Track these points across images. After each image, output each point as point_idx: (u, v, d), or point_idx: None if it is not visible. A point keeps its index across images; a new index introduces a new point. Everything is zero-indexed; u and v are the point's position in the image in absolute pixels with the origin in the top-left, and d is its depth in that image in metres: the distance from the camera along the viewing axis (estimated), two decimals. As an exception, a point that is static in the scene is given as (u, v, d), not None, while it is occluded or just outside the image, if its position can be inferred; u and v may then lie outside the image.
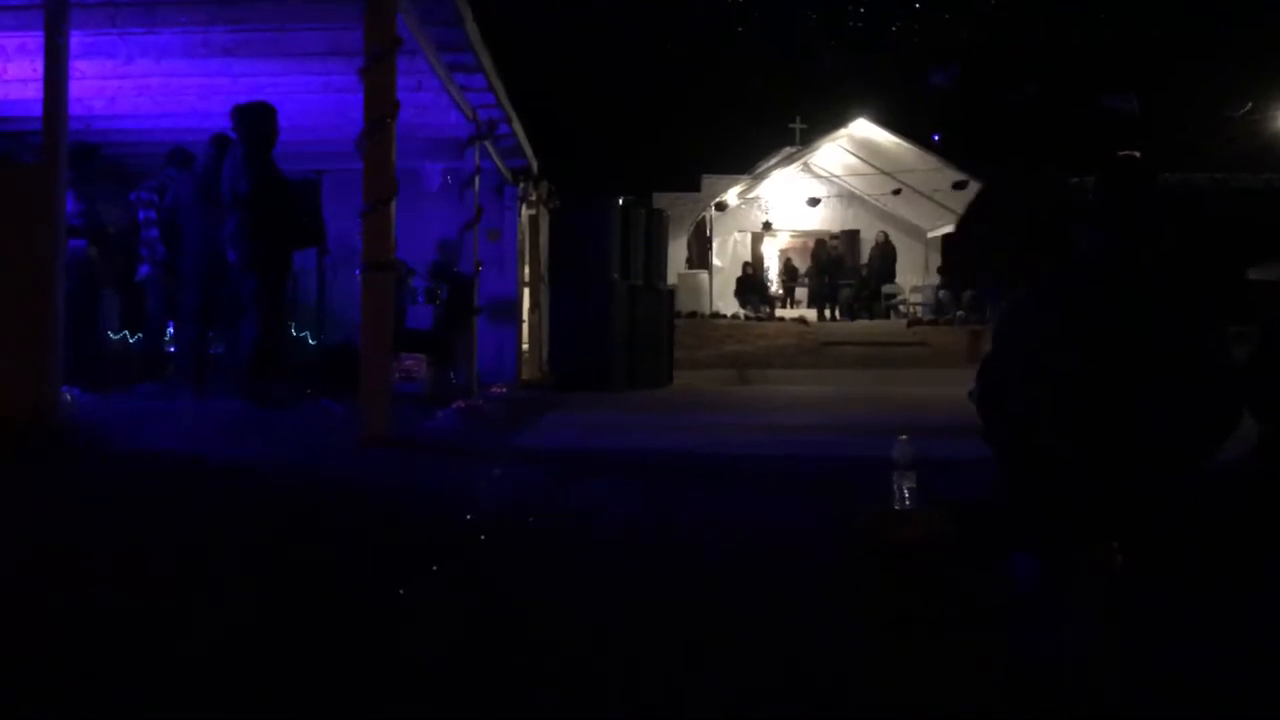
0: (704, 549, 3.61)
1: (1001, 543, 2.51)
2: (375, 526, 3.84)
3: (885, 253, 22.53)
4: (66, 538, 3.52)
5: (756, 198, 23.29)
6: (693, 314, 19.16)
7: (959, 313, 19.49)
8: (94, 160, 8.48)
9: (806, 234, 24.40)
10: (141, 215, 8.49)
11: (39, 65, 5.73)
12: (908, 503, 2.66)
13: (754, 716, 2.20)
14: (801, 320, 20.31)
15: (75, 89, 5.94)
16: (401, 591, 3.00)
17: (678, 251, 21.07)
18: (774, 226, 24.13)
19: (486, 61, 8.44)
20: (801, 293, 23.66)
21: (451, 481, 4.87)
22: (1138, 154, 3.10)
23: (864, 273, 22.74)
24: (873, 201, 23.60)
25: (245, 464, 5.16)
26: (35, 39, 5.92)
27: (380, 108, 5.93)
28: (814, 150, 22.51)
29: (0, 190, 5.92)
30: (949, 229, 22.98)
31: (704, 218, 22.49)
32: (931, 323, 19.47)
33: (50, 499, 4.16)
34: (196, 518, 3.93)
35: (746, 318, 20.14)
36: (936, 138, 21.66)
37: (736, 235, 23.98)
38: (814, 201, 23.05)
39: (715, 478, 5.24)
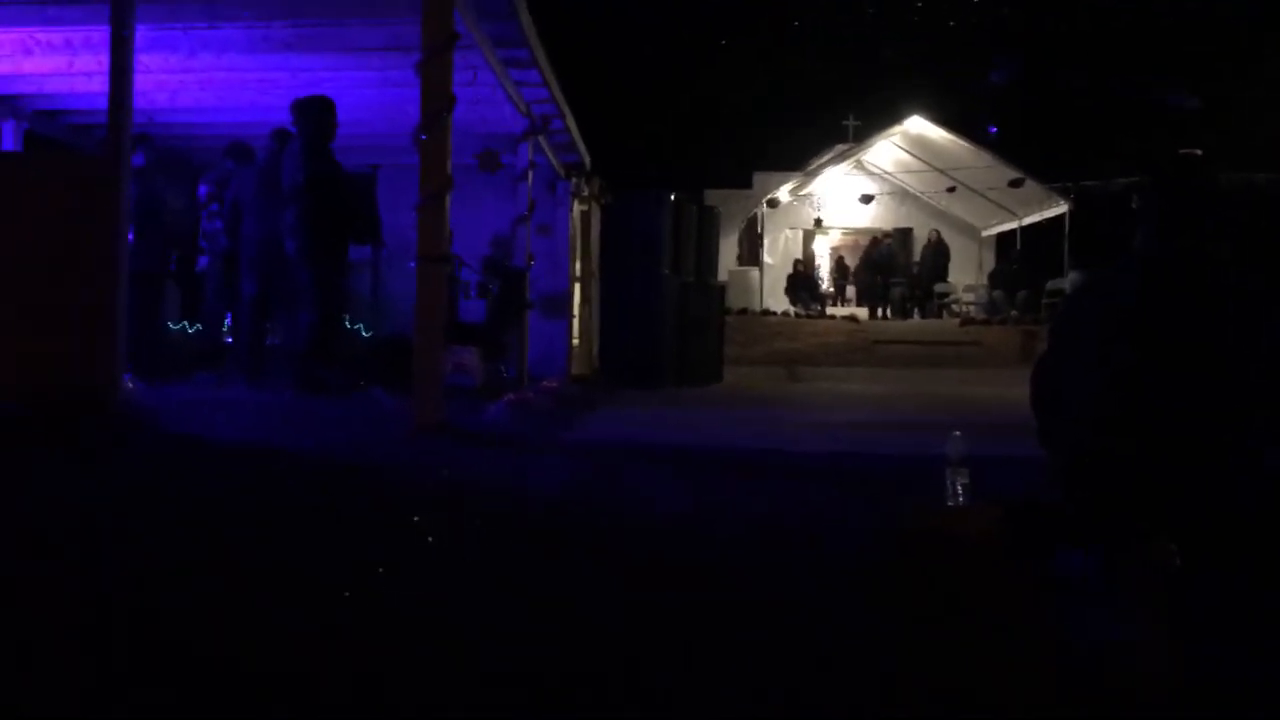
0: (751, 543, 3.61)
1: (1055, 539, 2.50)
2: (420, 510, 3.88)
3: (938, 251, 22.33)
4: (120, 517, 3.60)
5: (808, 195, 23.18)
6: (743, 311, 19.11)
7: (1013, 312, 19.28)
8: (145, 148, 8.51)
9: (858, 231, 24.26)
10: (204, 207, 8.61)
11: (104, 59, 5.86)
12: (961, 499, 2.65)
13: (805, 706, 2.20)
14: (852, 318, 20.19)
15: (139, 82, 6.05)
16: (442, 575, 3.03)
17: (729, 248, 21.03)
18: (825, 224, 24.02)
19: (541, 56, 8.48)
20: (852, 291, 23.53)
21: (499, 470, 4.91)
22: (1199, 152, 3.07)
23: (916, 271, 22.56)
24: (926, 199, 23.40)
25: (297, 450, 5.25)
26: (101, 33, 6.05)
27: (436, 102, 5.98)
28: (867, 147, 22.36)
29: (66, 181, 6.05)
30: (1004, 227, 22.75)
31: (755, 214, 22.43)
32: (984, 322, 19.27)
33: (108, 481, 4.26)
34: (246, 500, 4.01)
35: (797, 315, 20.05)
36: (993, 130, 21.39)
37: (788, 232, 23.88)
38: (866, 199, 22.90)
39: (765, 473, 5.22)
